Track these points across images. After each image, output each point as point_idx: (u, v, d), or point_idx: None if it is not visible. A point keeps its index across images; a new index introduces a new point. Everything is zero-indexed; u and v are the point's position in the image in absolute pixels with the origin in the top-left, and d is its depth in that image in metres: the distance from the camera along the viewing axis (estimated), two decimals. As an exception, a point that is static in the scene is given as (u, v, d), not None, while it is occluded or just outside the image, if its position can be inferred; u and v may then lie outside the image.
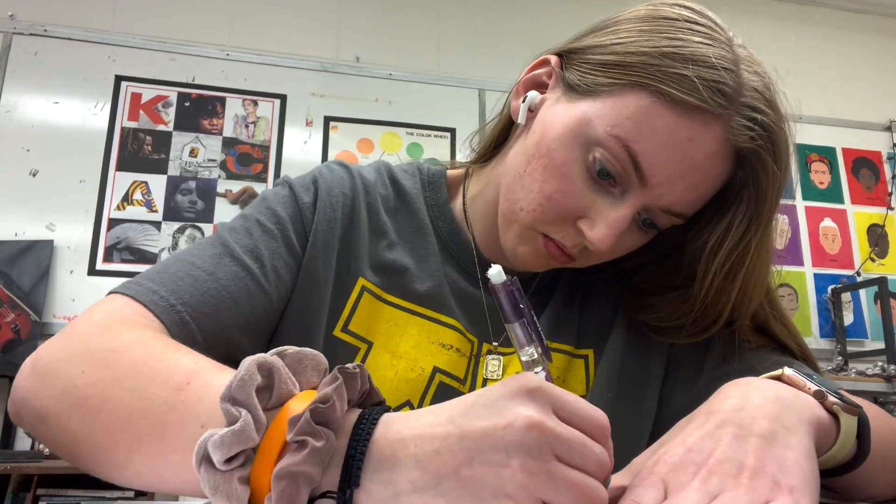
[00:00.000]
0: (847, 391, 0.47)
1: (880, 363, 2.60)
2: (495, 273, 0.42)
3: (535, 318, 0.44)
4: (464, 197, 0.71)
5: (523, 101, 0.62)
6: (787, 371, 0.45)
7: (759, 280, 0.60)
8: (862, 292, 3.10)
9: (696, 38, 0.55)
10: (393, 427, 0.34)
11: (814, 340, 3.04)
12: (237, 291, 0.58)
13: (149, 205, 2.58)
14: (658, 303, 0.65)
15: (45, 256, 2.41)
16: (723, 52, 0.55)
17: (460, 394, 0.63)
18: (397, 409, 0.59)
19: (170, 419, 0.38)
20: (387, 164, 0.73)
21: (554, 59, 0.62)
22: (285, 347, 0.37)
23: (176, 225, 2.58)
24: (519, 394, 0.33)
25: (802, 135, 3.20)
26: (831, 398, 0.44)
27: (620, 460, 0.40)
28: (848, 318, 3.07)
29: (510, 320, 0.43)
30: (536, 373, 0.42)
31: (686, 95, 0.52)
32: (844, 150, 3.31)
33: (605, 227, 0.56)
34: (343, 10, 2.97)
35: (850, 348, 2.99)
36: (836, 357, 2.95)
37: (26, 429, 0.48)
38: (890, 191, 3.30)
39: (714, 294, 0.58)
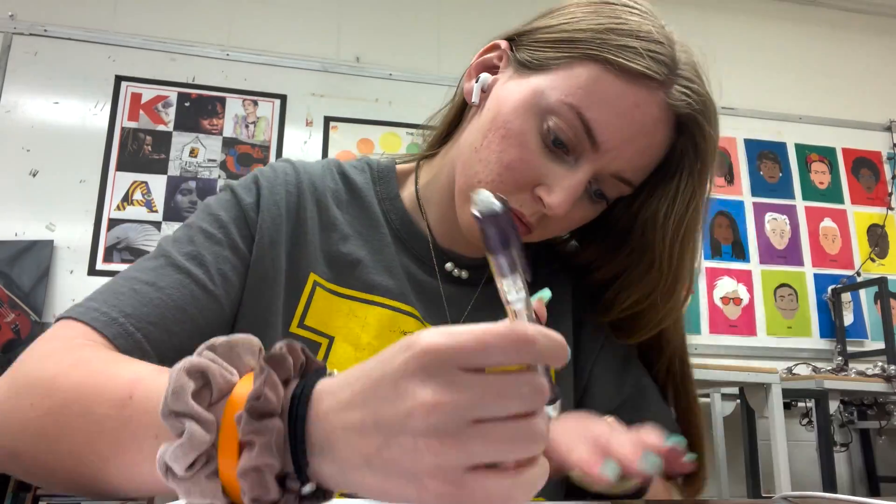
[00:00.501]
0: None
1: (880, 363, 2.60)
2: (486, 199, 0.36)
3: (523, 258, 0.39)
4: (416, 187, 0.72)
5: (476, 83, 0.65)
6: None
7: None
8: (862, 292, 3.10)
9: (635, 17, 0.60)
10: (322, 407, 0.34)
11: (814, 340, 3.04)
12: (181, 298, 0.58)
13: (149, 205, 2.58)
14: (626, 287, 0.67)
15: (45, 256, 2.41)
16: (658, 30, 0.60)
17: None
18: None
19: (125, 437, 0.40)
20: (335, 161, 0.74)
21: (504, 43, 0.66)
22: (214, 339, 0.37)
23: (176, 225, 2.58)
24: (416, 373, 0.32)
25: (802, 135, 3.20)
26: None
27: None
28: (848, 318, 3.07)
29: (495, 252, 0.37)
30: (516, 310, 0.37)
31: (632, 63, 0.57)
32: (844, 150, 3.31)
33: (562, 193, 0.58)
34: (343, 10, 2.97)
35: (850, 348, 2.99)
36: (836, 357, 2.95)
37: (5, 471, 0.49)
38: (890, 191, 3.30)
39: (677, 259, 0.63)
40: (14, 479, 2.02)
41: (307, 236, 0.66)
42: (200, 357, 0.36)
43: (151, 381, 0.41)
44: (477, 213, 0.37)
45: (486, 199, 0.36)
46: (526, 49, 0.63)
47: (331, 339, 0.64)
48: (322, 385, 0.35)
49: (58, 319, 0.55)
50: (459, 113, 0.71)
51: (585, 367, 0.71)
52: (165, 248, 0.61)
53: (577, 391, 0.70)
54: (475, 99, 0.65)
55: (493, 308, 0.70)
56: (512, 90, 0.61)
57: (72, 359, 0.47)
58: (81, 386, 0.44)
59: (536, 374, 0.33)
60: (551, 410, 0.38)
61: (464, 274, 0.70)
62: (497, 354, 0.32)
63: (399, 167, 0.75)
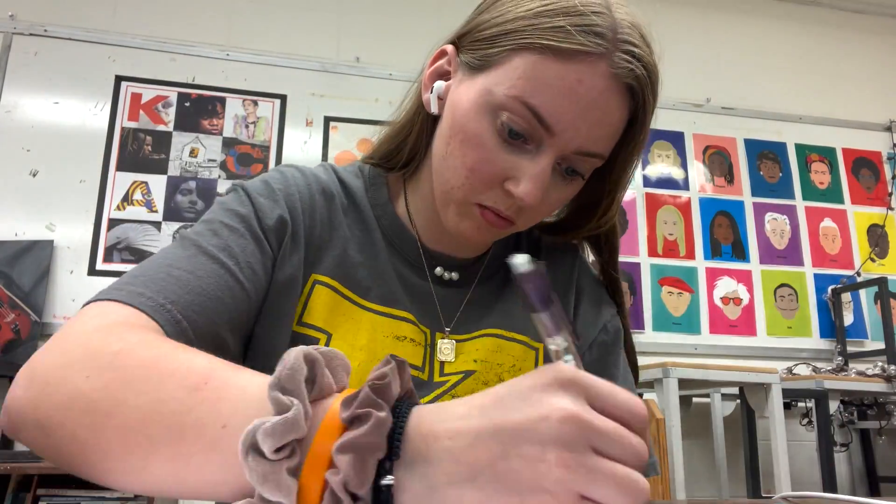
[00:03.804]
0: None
1: (880, 363, 2.60)
2: (523, 262, 0.39)
3: (562, 306, 0.43)
4: (405, 196, 0.73)
5: (431, 93, 0.66)
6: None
7: None
8: (862, 292, 3.10)
9: None
10: (425, 420, 0.34)
11: (814, 340, 3.04)
12: (219, 288, 0.57)
13: (149, 205, 2.58)
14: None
15: (45, 256, 2.41)
16: (591, 0, 0.60)
17: (421, 381, 0.66)
18: None
19: (188, 420, 0.37)
20: (332, 165, 0.75)
21: (450, 48, 0.66)
22: (315, 346, 0.37)
23: (176, 225, 2.58)
24: (552, 385, 0.33)
25: (802, 135, 3.20)
26: None
27: None
28: (848, 318, 3.07)
29: (538, 309, 0.39)
30: (566, 361, 0.38)
31: (564, 43, 0.57)
32: (844, 151, 3.31)
33: (528, 182, 0.59)
34: (343, 10, 2.97)
35: (850, 348, 2.99)
36: (836, 357, 2.95)
37: (24, 442, 0.44)
38: (890, 191, 3.30)
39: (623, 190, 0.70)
40: (14, 479, 2.02)
41: (317, 237, 0.67)
42: (311, 350, 0.36)
43: (228, 372, 0.40)
44: (518, 273, 0.38)
45: (521, 262, 0.38)
46: (469, 50, 0.64)
47: (329, 336, 0.65)
48: (423, 407, 0.35)
49: (91, 301, 0.52)
50: (427, 123, 0.71)
51: (589, 335, 0.74)
52: (191, 237, 0.60)
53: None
54: (434, 109, 0.66)
55: (483, 306, 0.72)
56: (463, 94, 0.62)
57: (136, 338, 0.45)
58: (149, 365, 0.41)
59: (643, 443, 0.34)
60: None
61: (454, 276, 0.72)
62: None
63: (390, 175, 0.75)
